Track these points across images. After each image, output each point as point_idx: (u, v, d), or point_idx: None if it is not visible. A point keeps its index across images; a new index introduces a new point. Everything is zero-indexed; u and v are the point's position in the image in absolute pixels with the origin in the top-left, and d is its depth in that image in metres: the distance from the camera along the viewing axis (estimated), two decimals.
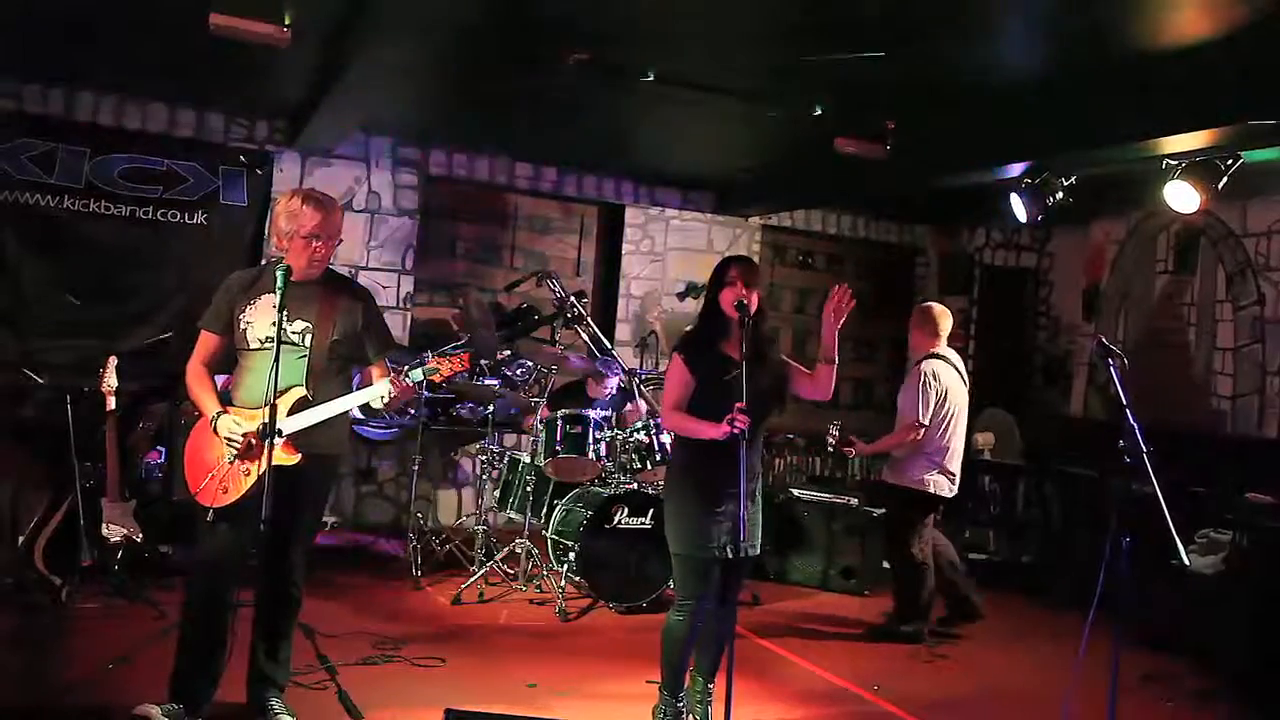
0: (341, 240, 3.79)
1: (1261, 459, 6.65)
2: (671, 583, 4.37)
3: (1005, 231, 9.11)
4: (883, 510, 6.21)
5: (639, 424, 6.10)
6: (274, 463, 3.32)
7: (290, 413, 3.49)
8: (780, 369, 3.96)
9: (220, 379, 3.76)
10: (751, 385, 3.58)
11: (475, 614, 5.55)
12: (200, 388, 3.65)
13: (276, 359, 3.38)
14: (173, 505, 5.54)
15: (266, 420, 3.36)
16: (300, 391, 3.53)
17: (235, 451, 3.52)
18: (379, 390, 3.59)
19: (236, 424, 3.52)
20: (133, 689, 3.74)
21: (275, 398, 3.35)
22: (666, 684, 3.96)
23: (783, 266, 9.23)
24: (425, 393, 6.31)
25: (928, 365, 5.50)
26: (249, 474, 3.52)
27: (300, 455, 3.48)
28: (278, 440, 3.37)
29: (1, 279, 6.43)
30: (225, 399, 3.66)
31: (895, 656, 5.36)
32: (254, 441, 3.50)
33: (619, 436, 6.04)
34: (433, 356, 3.65)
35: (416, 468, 6.43)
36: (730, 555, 3.74)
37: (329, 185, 7.17)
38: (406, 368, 3.62)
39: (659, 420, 5.89)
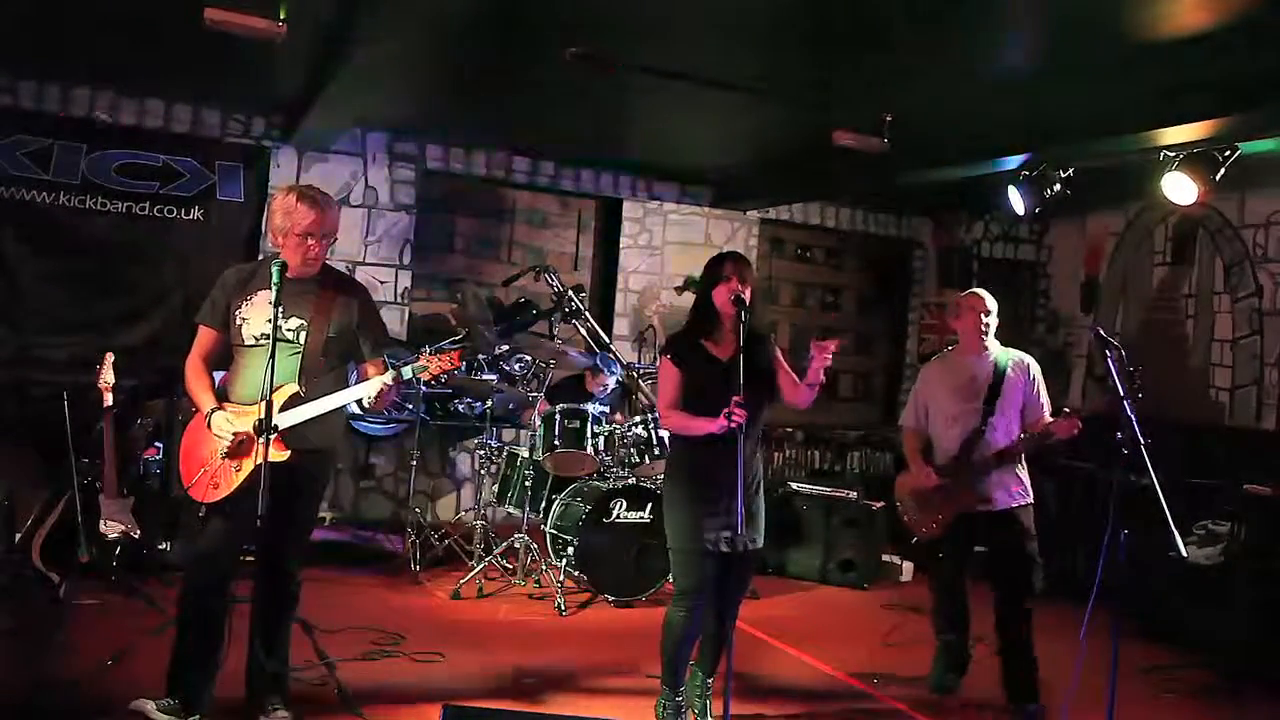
0: (337, 238, 3.78)
1: (1260, 450, 6.65)
2: (671, 577, 4.36)
3: (1003, 224, 9.10)
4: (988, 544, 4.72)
5: (637, 418, 6.09)
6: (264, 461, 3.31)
7: (282, 409, 3.48)
8: (772, 364, 3.99)
9: (219, 375, 3.75)
10: (747, 379, 3.60)
11: (474, 609, 5.55)
12: (197, 383, 3.64)
13: (273, 355, 3.37)
14: (170, 502, 5.53)
15: (260, 417, 3.36)
16: (293, 388, 3.53)
17: (226, 448, 3.52)
18: (372, 387, 3.59)
19: (229, 421, 3.52)
20: (131, 685, 3.74)
21: (270, 394, 3.35)
22: (667, 678, 3.97)
23: (780, 260, 9.22)
24: (423, 388, 6.32)
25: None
26: (239, 470, 3.52)
27: (290, 452, 3.47)
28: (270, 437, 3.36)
29: None
30: (222, 394, 3.66)
31: (894, 650, 5.36)
32: (244, 439, 3.50)
33: (617, 430, 6.04)
34: (427, 353, 3.65)
35: (415, 463, 6.44)
36: (727, 549, 3.75)
37: (326, 180, 7.17)
38: (399, 364, 3.63)
39: (657, 415, 5.89)
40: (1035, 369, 4.69)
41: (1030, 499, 4.61)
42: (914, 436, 4.82)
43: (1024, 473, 4.60)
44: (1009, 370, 4.64)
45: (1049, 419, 4.52)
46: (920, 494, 4.71)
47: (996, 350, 4.70)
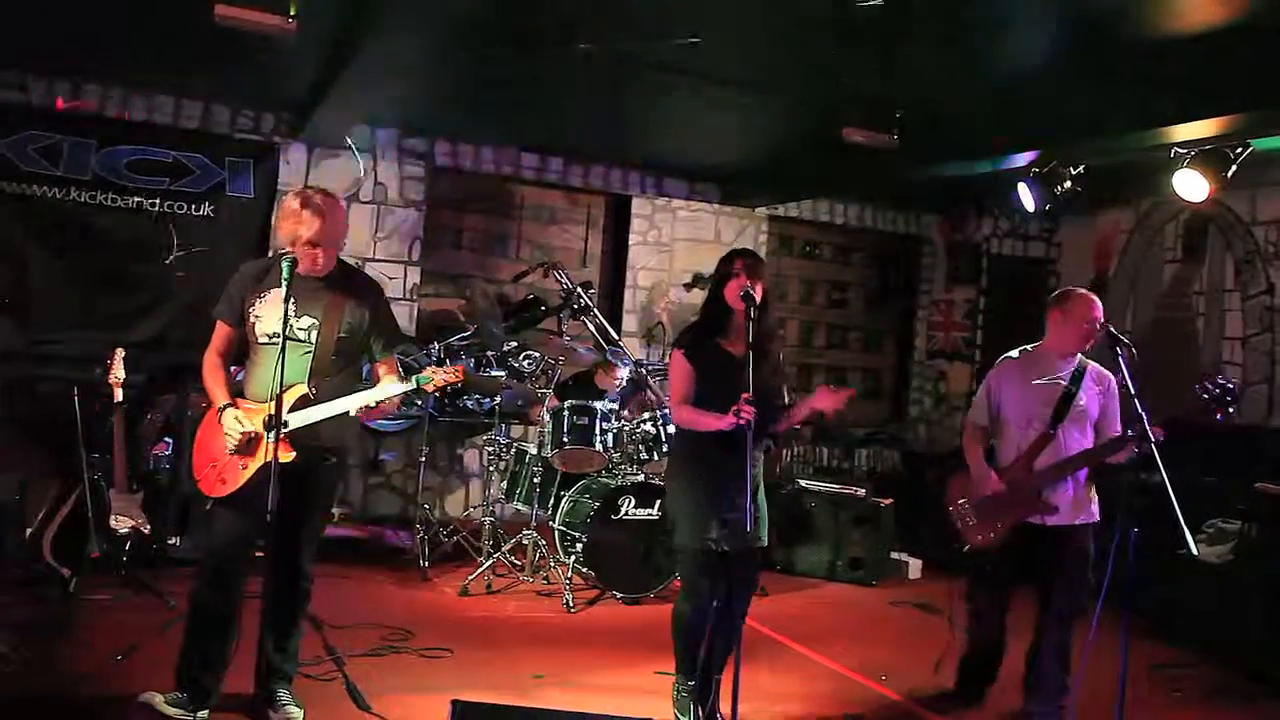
0: (344, 245, 3.78)
1: (1271, 449, 6.62)
2: (678, 575, 4.37)
3: (1013, 221, 9.07)
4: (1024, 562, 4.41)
5: (646, 414, 6.09)
6: (271, 460, 3.33)
7: (291, 410, 3.49)
8: (779, 364, 4.01)
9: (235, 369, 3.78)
10: (756, 376, 3.60)
11: (482, 605, 5.56)
12: (213, 378, 3.66)
13: (283, 352, 3.38)
14: (180, 497, 5.55)
15: (268, 416, 3.38)
16: (302, 389, 3.53)
17: (234, 445, 3.53)
18: (382, 393, 3.61)
19: (239, 420, 3.53)
20: (140, 679, 3.77)
21: (280, 393, 3.37)
22: (681, 666, 3.99)
23: (789, 257, 9.20)
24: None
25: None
26: (245, 468, 3.54)
27: (296, 454, 3.47)
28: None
29: (9, 271, 6.45)
30: (239, 391, 3.68)
31: (902, 647, 5.35)
32: (252, 437, 3.52)
33: (626, 427, 6.03)
34: (436, 352, 3.67)
35: (424, 459, 6.44)
36: (730, 547, 3.74)
37: (335, 177, 7.18)
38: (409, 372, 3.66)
39: (666, 411, 5.89)
40: (1114, 384, 4.32)
41: (1094, 519, 4.30)
42: (979, 434, 4.48)
43: (1093, 493, 4.32)
44: (1087, 379, 4.31)
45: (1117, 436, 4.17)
46: (980, 499, 4.38)
47: (1081, 358, 4.37)
